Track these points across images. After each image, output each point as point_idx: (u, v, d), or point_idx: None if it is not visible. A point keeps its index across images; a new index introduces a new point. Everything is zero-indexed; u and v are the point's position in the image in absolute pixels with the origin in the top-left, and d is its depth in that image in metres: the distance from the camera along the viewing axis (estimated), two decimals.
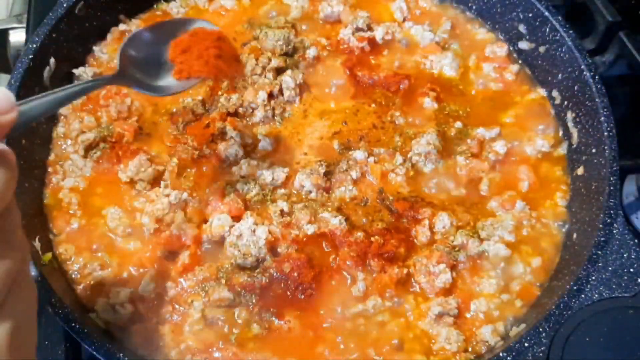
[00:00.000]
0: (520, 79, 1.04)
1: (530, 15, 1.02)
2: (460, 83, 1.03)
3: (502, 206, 0.90)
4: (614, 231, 0.81)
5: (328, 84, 1.01)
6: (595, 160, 0.88)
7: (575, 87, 0.94)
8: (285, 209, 0.87)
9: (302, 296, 0.81)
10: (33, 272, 0.75)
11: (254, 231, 0.83)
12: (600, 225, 0.81)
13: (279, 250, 0.84)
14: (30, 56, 0.89)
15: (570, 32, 0.96)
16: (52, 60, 0.93)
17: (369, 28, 1.06)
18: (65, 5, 0.95)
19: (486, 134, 0.96)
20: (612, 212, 0.81)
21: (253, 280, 0.81)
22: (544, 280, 0.84)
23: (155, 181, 0.89)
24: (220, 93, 0.97)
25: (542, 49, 1.01)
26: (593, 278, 0.78)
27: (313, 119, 0.97)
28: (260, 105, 0.96)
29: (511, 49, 1.06)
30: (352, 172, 0.91)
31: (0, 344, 0.48)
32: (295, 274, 0.81)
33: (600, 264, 0.79)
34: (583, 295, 0.77)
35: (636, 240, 0.82)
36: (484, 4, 1.08)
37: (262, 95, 0.96)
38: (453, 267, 0.84)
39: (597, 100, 0.90)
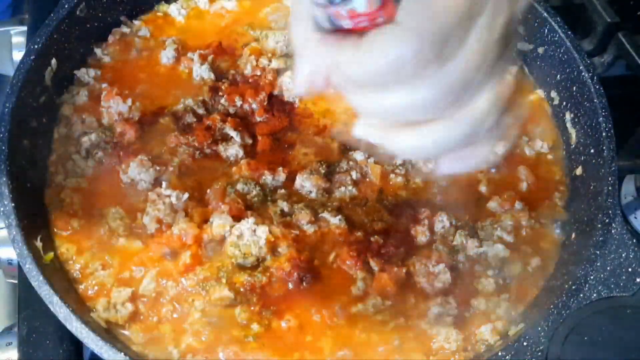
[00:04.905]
0: (519, 80, 1.04)
1: (529, 16, 1.02)
2: None
3: (501, 206, 0.90)
4: (613, 231, 0.81)
5: None
6: (593, 161, 0.89)
7: (574, 88, 0.95)
8: (286, 209, 0.87)
9: (302, 295, 0.81)
10: (34, 271, 0.75)
11: (254, 231, 0.84)
12: (599, 225, 0.81)
13: (279, 250, 0.84)
14: (32, 57, 0.90)
15: (569, 33, 0.96)
16: (53, 61, 0.94)
17: None
18: (66, 6, 0.95)
19: None
20: (610, 212, 0.81)
21: (253, 280, 0.81)
22: (542, 280, 0.84)
23: (157, 181, 0.89)
24: (220, 94, 0.98)
25: (540, 49, 1.01)
26: (591, 278, 0.78)
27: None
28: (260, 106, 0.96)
29: None
30: (352, 173, 0.91)
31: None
32: (296, 274, 0.82)
33: (598, 264, 0.79)
34: (581, 295, 0.77)
35: (634, 240, 0.82)
36: None
37: (262, 95, 0.97)
38: (452, 267, 0.84)
39: (595, 100, 0.90)
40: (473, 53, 0.42)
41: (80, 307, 0.79)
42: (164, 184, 0.88)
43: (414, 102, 0.44)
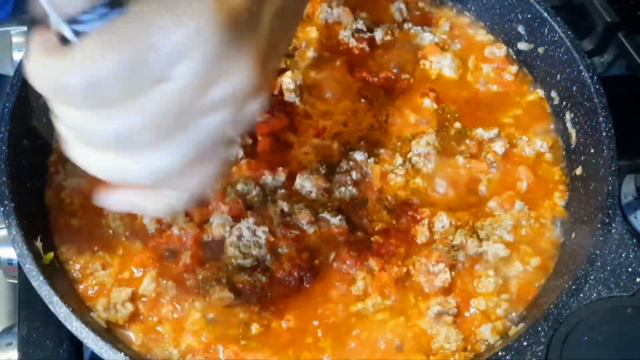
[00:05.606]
0: (519, 80, 1.04)
1: (529, 16, 1.02)
2: (459, 84, 1.03)
3: (501, 206, 0.90)
4: (612, 231, 0.81)
5: (328, 85, 1.02)
6: (593, 161, 0.89)
7: (574, 88, 0.95)
8: (286, 209, 0.87)
9: (302, 295, 0.82)
10: (34, 271, 0.75)
11: (254, 231, 0.84)
12: (599, 225, 0.81)
13: (279, 250, 0.84)
14: None
15: (569, 33, 0.97)
16: None
17: (369, 29, 1.06)
18: None
19: (485, 134, 0.96)
20: (610, 211, 0.81)
21: (253, 280, 0.81)
22: (542, 280, 0.84)
23: None
24: None
25: (541, 49, 1.01)
26: (591, 277, 0.78)
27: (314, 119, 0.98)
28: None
29: (510, 50, 1.06)
30: (352, 173, 0.91)
31: None
32: (295, 274, 0.82)
33: (598, 264, 0.79)
34: (581, 295, 0.78)
35: (634, 240, 0.82)
36: (483, 5, 1.09)
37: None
38: (452, 267, 0.84)
39: (595, 100, 0.90)
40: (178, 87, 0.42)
41: (80, 307, 0.79)
42: None
43: (118, 129, 0.43)
